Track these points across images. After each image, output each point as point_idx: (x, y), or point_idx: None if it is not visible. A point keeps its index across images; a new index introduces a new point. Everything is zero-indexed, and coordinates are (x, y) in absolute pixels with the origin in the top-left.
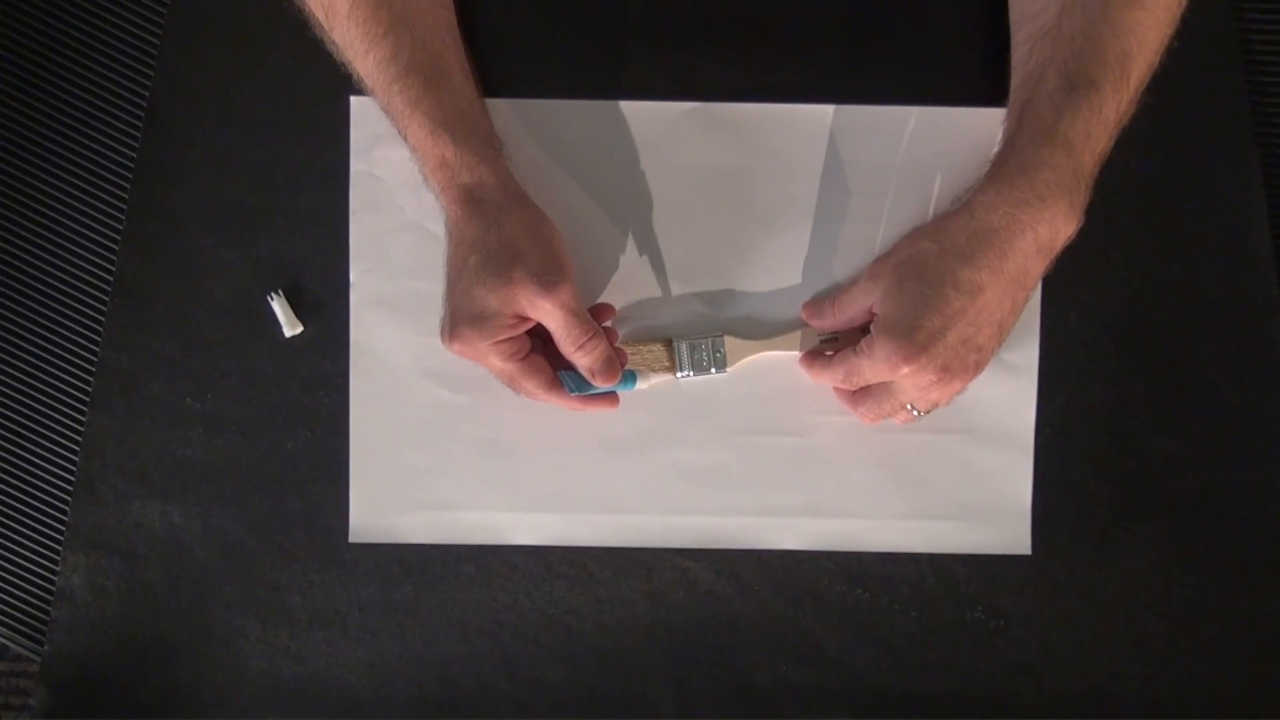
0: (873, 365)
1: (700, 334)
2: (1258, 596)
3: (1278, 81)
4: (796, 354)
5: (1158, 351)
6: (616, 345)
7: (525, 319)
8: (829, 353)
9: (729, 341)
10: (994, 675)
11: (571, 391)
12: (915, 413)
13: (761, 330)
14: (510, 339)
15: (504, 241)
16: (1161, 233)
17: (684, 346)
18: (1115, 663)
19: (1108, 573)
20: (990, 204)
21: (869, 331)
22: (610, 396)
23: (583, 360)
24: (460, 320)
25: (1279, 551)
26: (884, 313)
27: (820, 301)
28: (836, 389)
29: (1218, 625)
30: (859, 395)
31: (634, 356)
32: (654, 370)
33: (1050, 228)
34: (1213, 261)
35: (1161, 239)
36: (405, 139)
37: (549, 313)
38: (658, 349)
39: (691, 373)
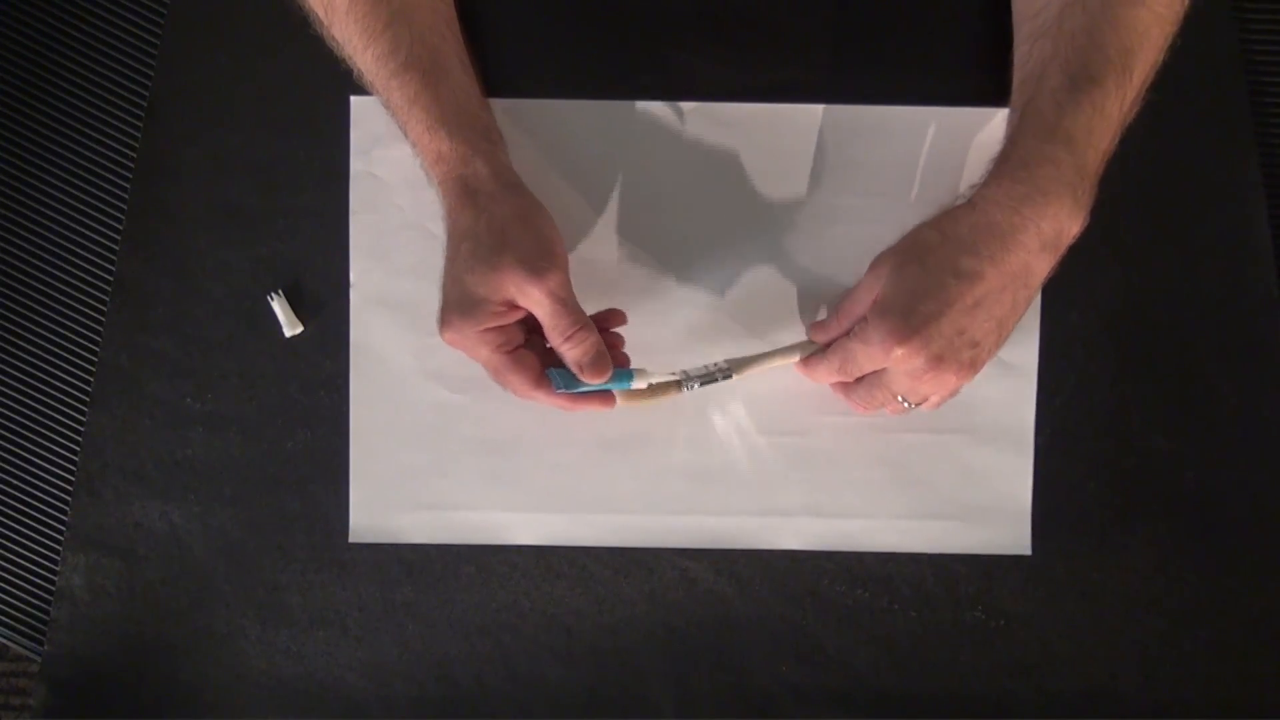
0: (866, 349)
1: (704, 367)
2: (1258, 596)
3: (1278, 81)
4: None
5: (1158, 351)
6: (621, 351)
7: (515, 307)
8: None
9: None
10: (994, 675)
11: (558, 389)
12: (906, 404)
13: (759, 327)
14: (499, 328)
15: (494, 228)
16: (1161, 233)
17: (695, 385)
18: (1115, 663)
19: (1108, 573)
20: (994, 199)
21: None
22: (604, 396)
23: (570, 352)
24: (451, 307)
25: (1279, 551)
26: (882, 296)
27: (826, 322)
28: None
29: (1218, 625)
30: (852, 383)
31: (643, 393)
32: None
33: (1054, 224)
34: (1213, 261)
35: (1161, 239)
36: (405, 134)
37: (538, 300)
38: (666, 387)
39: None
